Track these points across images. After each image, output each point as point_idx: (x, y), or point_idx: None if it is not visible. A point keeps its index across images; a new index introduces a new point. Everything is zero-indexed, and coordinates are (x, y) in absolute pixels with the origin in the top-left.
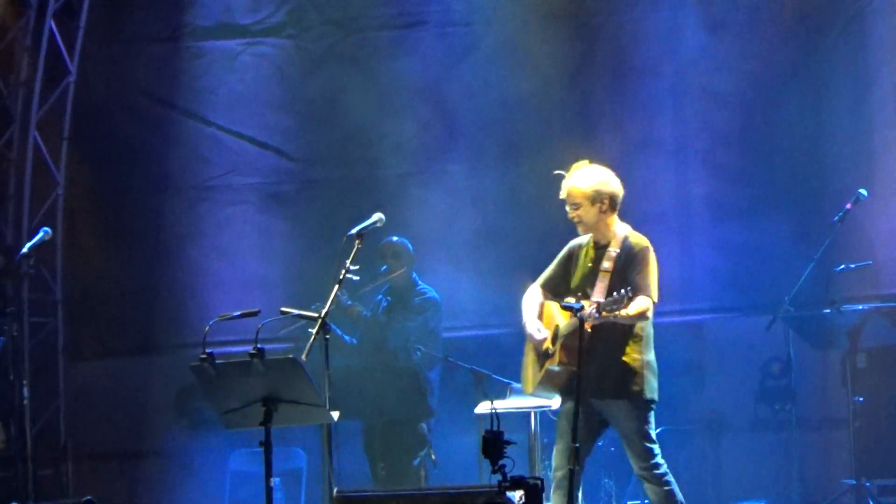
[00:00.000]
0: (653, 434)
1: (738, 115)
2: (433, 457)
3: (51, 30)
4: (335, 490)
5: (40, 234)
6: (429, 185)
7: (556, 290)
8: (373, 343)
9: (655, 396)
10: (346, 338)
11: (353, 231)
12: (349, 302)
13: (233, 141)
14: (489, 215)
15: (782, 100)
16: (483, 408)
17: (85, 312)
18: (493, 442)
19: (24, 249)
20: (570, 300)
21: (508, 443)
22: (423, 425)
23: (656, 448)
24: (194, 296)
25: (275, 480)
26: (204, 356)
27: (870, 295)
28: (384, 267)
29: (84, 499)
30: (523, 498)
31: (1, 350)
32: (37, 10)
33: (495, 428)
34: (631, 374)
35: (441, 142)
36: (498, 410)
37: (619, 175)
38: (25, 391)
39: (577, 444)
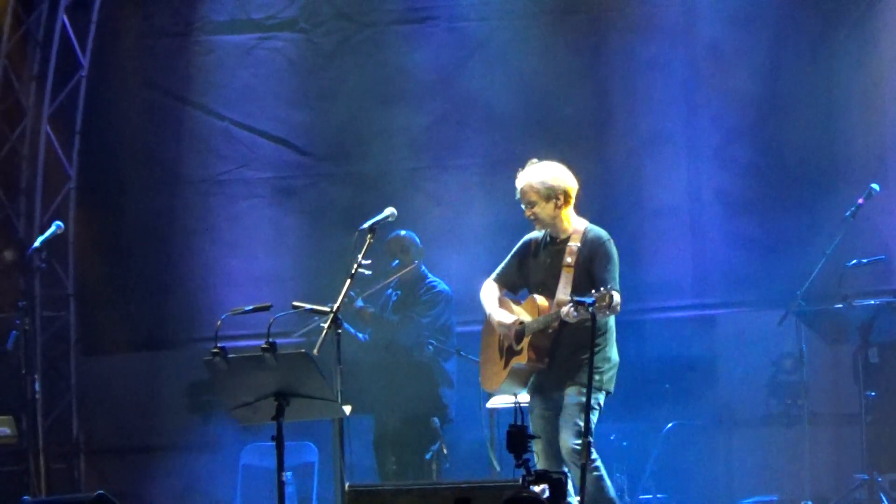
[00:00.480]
0: (592, 420)
1: (749, 110)
2: (445, 451)
3: (63, 24)
4: (347, 484)
5: (52, 229)
6: (440, 180)
7: (512, 285)
8: (384, 339)
9: (611, 388)
10: (360, 335)
11: (365, 225)
12: (361, 304)
13: (245, 135)
14: (501, 209)
15: (794, 94)
16: (495, 402)
17: (97, 307)
18: (518, 436)
19: (37, 243)
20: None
21: (532, 437)
22: (435, 419)
23: (590, 438)
24: (206, 290)
25: (287, 475)
26: (216, 350)
27: (882, 290)
28: (395, 262)
29: (96, 493)
30: (547, 492)
31: (13, 344)
32: (49, 4)
33: (519, 422)
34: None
35: (452, 136)
36: (522, 404)
37: (631, 168)
38: (37, 385)
39: (591, 439)
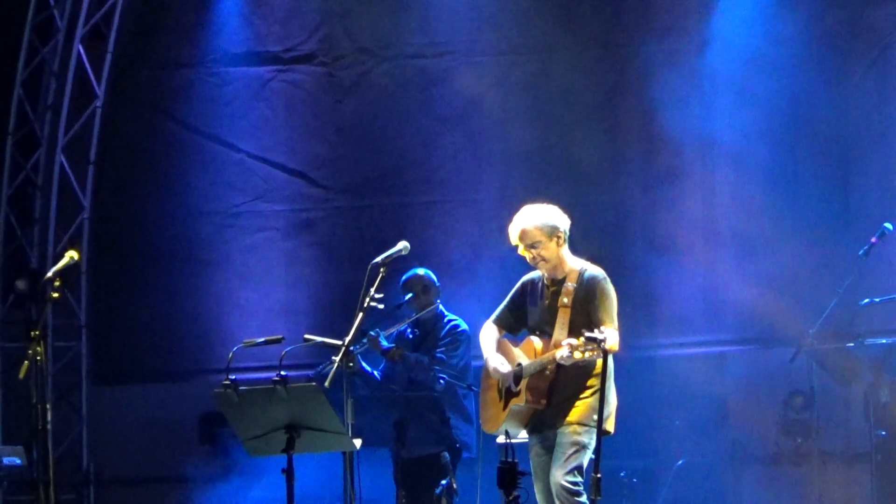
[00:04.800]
0: (586, 458)
1: (764, 148)
2: (455, 486)
3: (79, 54)
4: None
5: (66, 259)
6: (456, 214)
7: (511, 327)
8: (405, 379)
9: (611, 429)
10: (374, 373)
11: (378, 259)
12: (388, 345)
13: (260, 167)
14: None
15: (810, 133)
16: (503, 439)
17: (109, 337)
18: (508, 472)
19: (50, 273)
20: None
21: (523, 473)
22: (446, 454)
23: (580, 478)
24: (219, 322)
25: None
26: (227, 382)
27: (894, 329)
28: (410, 294)
29: None
30: None
31: (24, 374)
32: (65, 35)
33: (510, 458)
34: (590, 409)
35: (469, 170)
36: (513, 441)
37: (646, 204)
38: (48, 415)
39: (599, 475)
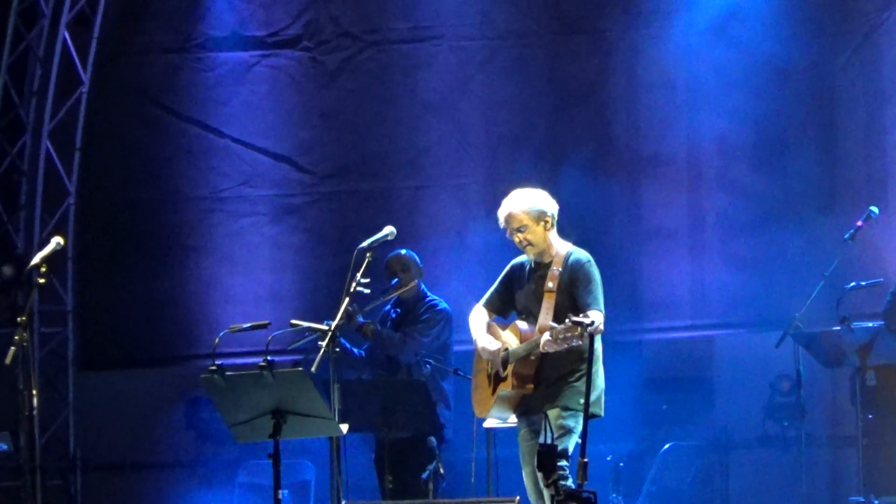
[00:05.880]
0: (571, 442)
1: (751, 131)
2: (441, 470)
3: (64, 40)
4: (344, 503)
5: (52, 245)
6: (442, 199)
7: (500, 310)
8: (383, 356)
9: (599, 412)
10: (355, 351)
11: (364, 244)
12: (362, 321)
13: (246, 152)
14: (501, 229)
15: (796, 116)
16: (493, 422)
17: (95, 323)
18: (548, 455)
19: (36, 259)
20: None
21: (563, 456)
22: (432, 439)
23: (566, 462)
24: (205, 307)
25: (283, 493)
26: (214, 367)
27: (880, 313)
28: (395, 280)
29: None
30: None
31: (10, 359)
32: (50, 20)
33: (549, 441)
34: (576, 393)
35: (455, 155)
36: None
37: (632, 189)
38: (35, 401)
39: (586, 460)
